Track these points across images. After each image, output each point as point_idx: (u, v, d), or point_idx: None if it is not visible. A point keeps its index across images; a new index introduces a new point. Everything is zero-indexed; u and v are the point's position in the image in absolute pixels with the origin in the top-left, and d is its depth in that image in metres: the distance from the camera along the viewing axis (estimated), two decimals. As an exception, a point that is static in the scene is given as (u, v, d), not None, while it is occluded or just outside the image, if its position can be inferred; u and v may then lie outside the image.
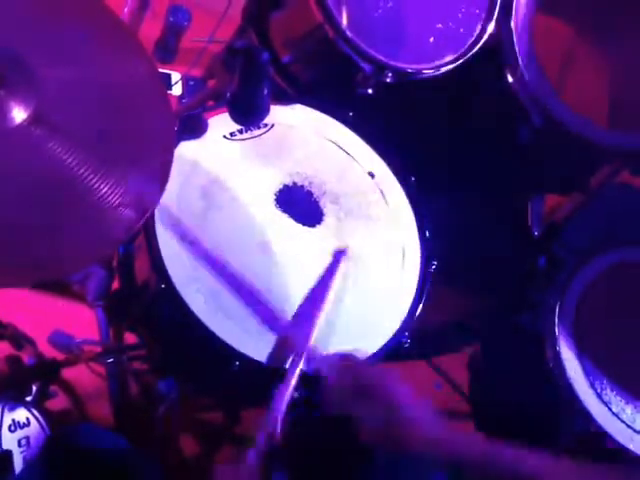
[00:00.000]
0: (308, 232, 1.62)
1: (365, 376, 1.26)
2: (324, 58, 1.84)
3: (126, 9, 1.95)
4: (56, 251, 1.18)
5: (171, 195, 1.51)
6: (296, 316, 1.50)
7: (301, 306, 1.52)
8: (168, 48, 2.39)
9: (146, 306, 1.55)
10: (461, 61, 1.80)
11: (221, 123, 1.60)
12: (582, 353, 1.81)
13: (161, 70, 2.38)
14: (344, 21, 1.75)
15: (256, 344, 1.46)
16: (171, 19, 2.34)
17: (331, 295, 1.52)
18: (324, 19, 1.73)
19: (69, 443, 1.34)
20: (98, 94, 1.24)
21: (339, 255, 1.59)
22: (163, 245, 1.46)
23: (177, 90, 2.38)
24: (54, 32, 1.24)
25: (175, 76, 2.39)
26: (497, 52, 1.84)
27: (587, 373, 1.79)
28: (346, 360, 1.33)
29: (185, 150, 1.55)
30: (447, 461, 1.20)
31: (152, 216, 1.46)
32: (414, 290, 1.66)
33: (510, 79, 1.86)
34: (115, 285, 1.67)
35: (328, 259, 1.60)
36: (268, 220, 1.59)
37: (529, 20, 1.88)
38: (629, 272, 1.92)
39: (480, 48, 1.82)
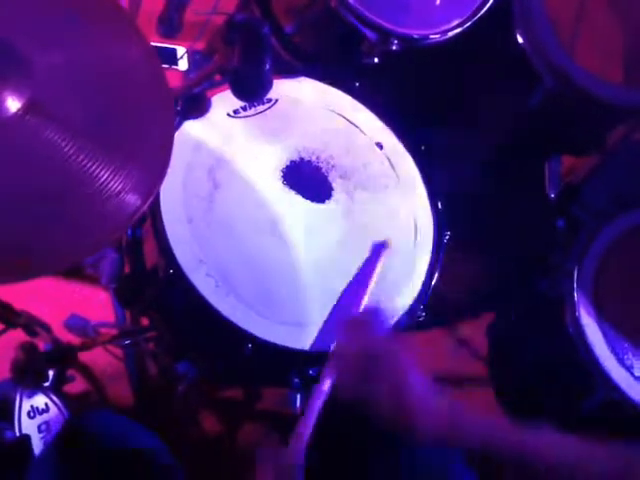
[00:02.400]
0: (318, 208, 1.59)
1: (371, 347, 1.22)
2: (327, 27, 1.80)
3: (125, -14, 1.92)
4: (59, 240, 1.16)
5: (176, 177, 1.49)
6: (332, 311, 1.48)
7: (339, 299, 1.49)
8: (172, 23, 2.36)
9: (157, 291, 1.54)
10: (468, 24, 1.75)
11: (224, 100, 1.57)
12: (602, 318, 1.78)
13: (166, 45, 2.35)
14: (347, -12, 1.71)
15: (268, 326, 1.44)
16: (173, -6, 2.30)
17: (371, 289, 1.49)
18: (326, -13, 1.69)
19: (84, 428, 1.33)
20: (92, 78, 1.21)
21: (379, 248, 1.56)
22: (170, 229, 1.44)
23: (183, 65, 2.34)
24: (44, 16, 1.21)
25: (180, 50, 2.35)
26: (506, 13, 1.78)
27: (608, 338, 1.77)
28: (358, 325, 1.30)
29: (189, 130, 1.53)
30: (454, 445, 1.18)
31: (157, 199, 1.44)
32: (428, 261, 1.63)
33: (520, 40, 1.81)
34: (127, 269, 1.67)
35: (340, 233, 1.58)
36: (276, 198, 1.56)
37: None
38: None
39: (488, 10, 1.77)
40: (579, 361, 1.75)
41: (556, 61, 1.80)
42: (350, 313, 1.45)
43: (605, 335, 1.77)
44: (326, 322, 1.47)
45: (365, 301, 1.48)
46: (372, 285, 1.50)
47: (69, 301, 1.99)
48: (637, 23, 1.90)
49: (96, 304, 1.99)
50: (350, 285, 1.52)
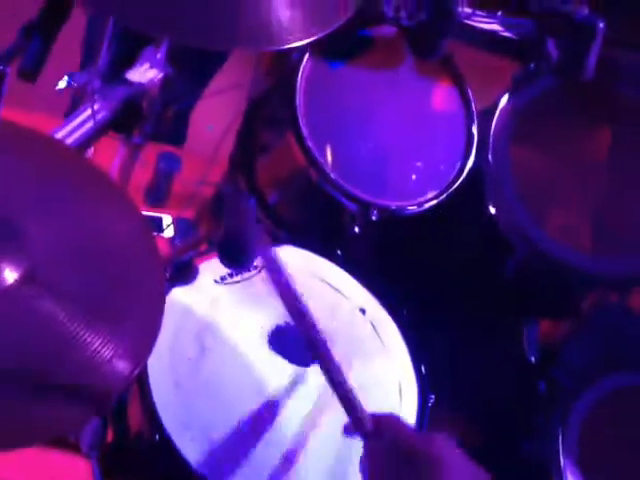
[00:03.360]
0: (302, 372, 1.61)
1: (408, 438, 1.17)
2: (310, 199, 1.89)
3: (116, 160, 2.02)
4: (51, 410, 1.16)
5: (164, 342, 1.51)
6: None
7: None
8: (159, 193, 2.45)
9: (141, 457, 1.52)
10: (443, 196, 1.85)
11: (211, 267, 1.63)
12: (589, 481, 1.77)
13: (153, 214, 2.43)
14: (328, 162, 1.81)
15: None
16: (161, 165, 2.41)
17: None
18: (307, 162, 1.79)
19: None
20: (87, 249, 1.26)
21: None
22: (157, 394, 1.45)
23: (169, 232, 2.42)
24: (39, 190, 1.27)
25: (167, 219, 2.43)
26: (479, 186, 1.89)
27: (596, 504, 1.75)
28: (387, 419, 1.26)
29: (176, 296, 1.57)
30: None
31: (145, 364, 1.46)
32: (413, 425, 1.64)
33: (492, 210, 1.90)
34: (110, 434, 1.65)
35: (324, 398, 1.59)
36: (262, 362, 1.59)
37: (507, 153, 1.94)
38: (632, 396, 1.90)
39: (461, 183, 1.87)
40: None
41: (527, 231, 1.88)
42: None
43: (593, 500, 1.75)
44: None
45: None
46: None
47: (50, 470, 1.94)
48: (600, 193, 2.01)
49: (76, 473, 1.94)
50: None
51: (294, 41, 1.43)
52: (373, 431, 1.26)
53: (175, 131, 2.62)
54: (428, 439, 1.20)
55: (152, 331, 1.26)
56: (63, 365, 1.16)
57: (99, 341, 1.18)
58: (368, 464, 1.22)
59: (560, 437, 1.80)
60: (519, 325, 2.15)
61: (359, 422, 1.29)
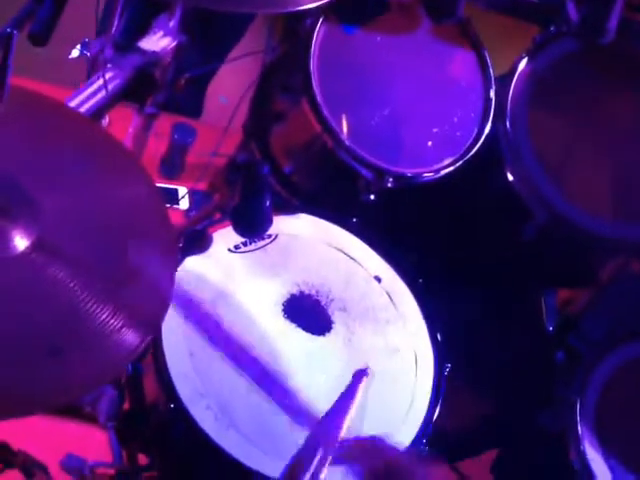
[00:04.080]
0: (318, 341, 1.61)
1: (397, 461, 1.20)
2: (325, 166, 1.87)
3: (130, 130, 2.00)
4: (61, 376, 1.16)
5: (178, 312, 1.51)
6: (313, 434, 1.46)
7: (319, 424, 1.47)
8: (174, 164, 2.44)
9: (157, 426, 1.52)
10: (460, 163, 1.82)
11: (225, 236, 1.62)
12: (607, 452, 1.76)
13: (168, 185, 2.42)
14: (343, 129, 1.78)
15: (270, 461, 1.42)
16: (176, 137, 2.40)
17: (351, 415, 1.48)
18: (322, 129, 1.76)
19: None
20: (98, 217, 1.25)
21: (360, 374, 1.56)
22: (172, 363, 1.45)
23: (184, 204, 2.41)
24: (53, 159, 1.27)
25: (182, 190, 2.42)
26: (496, 152, 1.86)
27: (614, 472, 1.73)
28: (377, 443, 1.28)
29: (191, 265, 1.56)
30: None
31: (159, 334, 1.46)
32: (429, 395, 1.63)
33: (510, 178, 1.87)
34: (126, 405, 1.65)
35: (339, 367, 1.58)
36: (277, 331, 1.58)
37: (525, 118, 1.91)
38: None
39: (479, 149, 1.84)
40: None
41: (546, 197, 1.86)
42: (329, 438, 1.41)
43: (612, 470, 1.74)
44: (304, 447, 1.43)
45: (345, 427, 1.45)
46: (352, 411, 1.48)
47: (66, 440, 1.95)
48: (619, 158, 1.97)
49: (93, 443, 1.95)
50: (330, 412, 1.49)
51: (307, 3, 1.40)
52: (361, 455, 1.27)
53: (190, 102, 2.60)
54: (414, 458, 1.23)
55: (164, 300, 1.26)
56: (74, 333, 1.16)
57: (110, 309, 1.17)
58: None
59: (578, 406, 1.78)
60: (537, 294, 2.13)
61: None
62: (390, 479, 1.19)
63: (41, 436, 1.89)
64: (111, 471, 1.84)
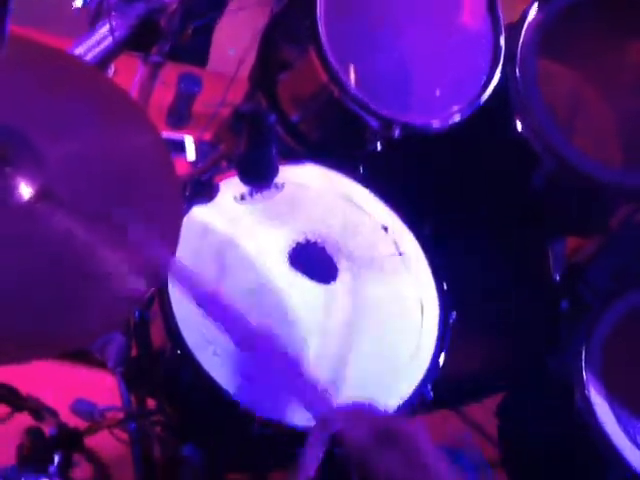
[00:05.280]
0: (323, 289, 1.61)
1: (382, 423, 1.22)
2: (332, 116, 1.85)
3: (136, 79, 1.99)
4: (69, 322, 1.18)
5: (184, 260, 1.51)
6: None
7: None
8: (181, 114, 2.44)
9: (163, 372, 1.54)
10: (468, 111, 1.80)
11: (232, 186, 1.62)
12: (612, 397, 1.78)
13: (174, 135, 2.42)
14: (351, 78, 1.77)
15: (275, 405, 1.44)
16: (182, 86, 2.39)
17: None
18: (329, 78, 1.75)
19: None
20: (103, 165, 1.25)
21: None
22: (178, 310, 1.46)
23: (191, 155, 2.41)
24: (57, 107, 1.26)
25: (189, 140, 2.42)
26: (504, 101, 1.84)
27: (619, 417, 1.75)
28: (361, 409, 1.29)
29: (197, 214, 1.57)
30: None
31: (165, 282, 1.47)
32: (434, 342, 1.64)
33: (519, 126, 1.86)
34: (134, 351, 1.68)
35: (344, 315, 1.59)
36: (282, 279, 1.59)
37: (535, 67, 1.88)
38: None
39: (487, 98, 1.82)
40: (591, 441, 1.73)
41: (555, 146, 1.84)
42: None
43: (616, 414, 1.76)
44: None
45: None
46: None
47: (75, 385, 1.99)
48: (630, 107, 1.95)
49: (102, 388, 1.98)
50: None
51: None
52: (349, 421, 1.28)
53: (196, 51, 2.58)
54: (399, 419, 1.24)
55: (170, 248, 1.26)
56: (81, 280, 1.17)
57: (115, 257, 1.18)
58: (351, 453, 1.25)
59: (583, 352, 1.80)
60: (545, 242, 2.13)
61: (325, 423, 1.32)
62: (389, 444, 1.20)
63: (51, 382, 1.92)
64: (120, 415, 1.88)
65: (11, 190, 1.15)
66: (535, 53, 1.90)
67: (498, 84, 1.84)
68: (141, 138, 1.34)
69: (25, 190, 1.16)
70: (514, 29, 1.90)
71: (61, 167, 1.21)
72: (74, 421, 1.79)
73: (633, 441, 1.73)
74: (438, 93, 1.84)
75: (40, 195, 1.17)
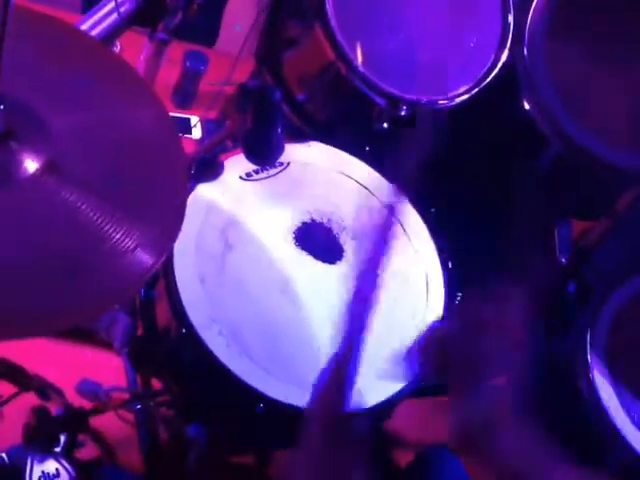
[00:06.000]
0: (329, 269, 1.61)
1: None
2: (338, 94, 1.84)
3: (142, 56, 1.98)
4: (74, 298, 1.17)
5: (189, 238, 1.51)
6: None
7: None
8: (186, 92, 2.42)
9: (169, 351, 1.54)
10: (475, 90, 1.79)
11: (237, 164, 1.61)
12: (616, 380, 1.77)
13: (180, 114, 2.41)
14: (358, 56, 1.75)
15: (280, 385, 1.44)
16: (188, 64, 2.37)
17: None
18: (336, 56, 1.73)
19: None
20: (109, 140, 1.25)
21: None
22: (183, 289, 1.45)
23: (197, 133, 2.40)
24: (63, 81, 1.25)
25: (194, 119, 2.41)
26: (512, 80, 1.83)
27: (623, 400, 1.75)
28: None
29: (202, 192, 1.56)
30: None
31: (171, 260, 1.46)
32: (440, 322, 1.63)
33: (527, 106, 1.84)
34: (140, 331, 1.67)
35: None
36: (288, 259, 1.58)
37: (543, 47, 1.87)
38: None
39: (495, 77, 1.81)
40: (594, 424, 1.73)
41: (563, 126, 1.83)
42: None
43: (620, 397, 1.75)
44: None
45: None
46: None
47: (81, 365, 1.99)
48: (638, 88, 1.94)
49: (108, 368, 1.98)
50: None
51: None
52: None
53: (203, 29, 2.56)
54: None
55: (175, 223, 1.26)
56: (87, 254, 1.16)
57: (122, 231, 1.18)
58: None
59: (588, 336, 1.79)
60: (552, 225, 2.12)
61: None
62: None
63: (57, 362, 1.92)
64: (126, 395, 1.88)
65: (17, 164, 1.14)
66: (543, 33, 1.89)
67: (506, 63, 1.82)
68: (147, 112, 1.33)
69: (31, 164, 1.15)
70: (523, 8, 1.88)
71: (67, 140, 1.20)
72: (79, 401, 1.80)
73: (636, 424, 1.73)
74: (446, 72, 1.83)
75: (46, 169, 1.16)
